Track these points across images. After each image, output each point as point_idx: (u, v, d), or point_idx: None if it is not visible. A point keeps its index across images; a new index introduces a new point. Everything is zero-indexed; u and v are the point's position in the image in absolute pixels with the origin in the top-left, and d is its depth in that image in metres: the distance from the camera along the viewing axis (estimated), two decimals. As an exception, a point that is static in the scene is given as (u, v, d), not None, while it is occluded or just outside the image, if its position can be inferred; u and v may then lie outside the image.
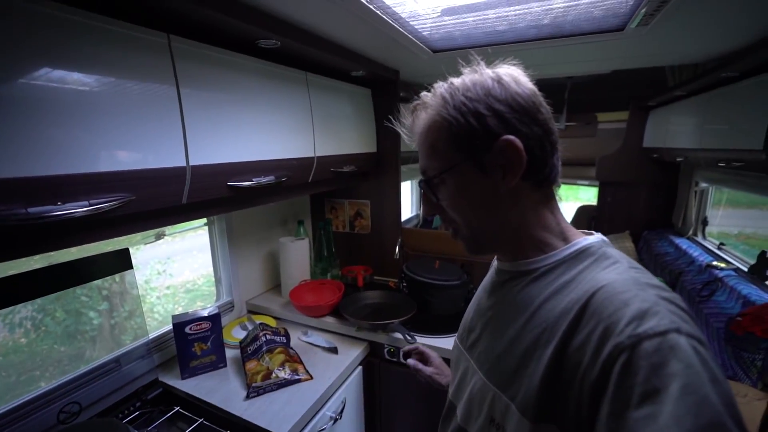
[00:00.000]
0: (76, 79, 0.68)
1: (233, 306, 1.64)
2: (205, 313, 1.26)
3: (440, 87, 0.57)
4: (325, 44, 1.24)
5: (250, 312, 1.71)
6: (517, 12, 1.09)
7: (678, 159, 2.53)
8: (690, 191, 2.89)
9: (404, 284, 1.71)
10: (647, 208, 3.20)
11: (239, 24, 0.93)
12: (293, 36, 1.09)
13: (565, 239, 0.57)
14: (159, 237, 1.83)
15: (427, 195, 0.60)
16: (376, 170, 1.89)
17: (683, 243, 2.72)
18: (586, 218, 3.85)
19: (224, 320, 1.57)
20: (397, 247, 1.76)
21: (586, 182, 4.58)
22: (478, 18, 1.13)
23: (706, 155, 2.02)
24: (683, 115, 2.33)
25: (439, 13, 1.15)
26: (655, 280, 0.47)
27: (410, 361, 0.93)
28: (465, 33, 1.25)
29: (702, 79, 1.88)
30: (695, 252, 2.51)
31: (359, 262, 1.99)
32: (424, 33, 1.24)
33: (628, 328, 0.41)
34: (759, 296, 1.82)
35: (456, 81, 0.56)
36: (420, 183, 0.60)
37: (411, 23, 1.14)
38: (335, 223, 2.02)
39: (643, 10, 1.01)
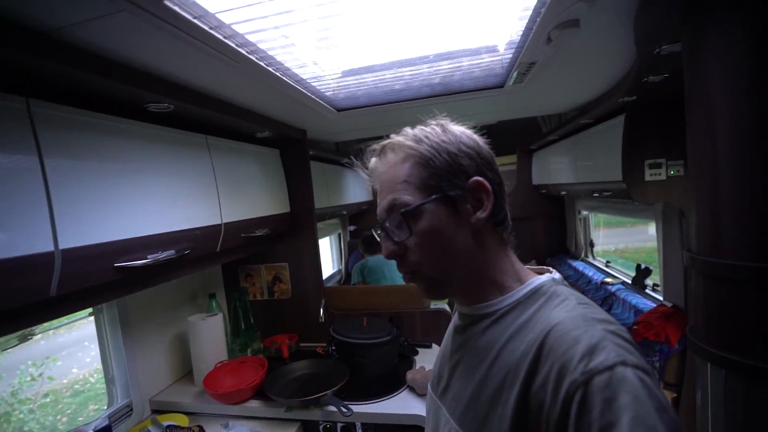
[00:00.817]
0: None
1: (132, 409, 1.35)
2: (89, 431, 1.01)
3: (410, 131, 0.61)
4: (226, 107, 1.20)
5: (156, 412, 1.43)
6: (411, 73, 1.18)
7: (562, 192, 2.90)
8: (575, 219, 3.31)
9: (333, 348, 1.60)
10: (546, 238, 3.58)
11: (122, 87, 0.85)
12: (188, 99, 1.03)
13: (520, 280, 0.59)
14: (24, 338, 1.48)
15: (389, 234, 0.59)
16: (292, 230, 1.82)
17: (579, 265, 3.06)
18: (496, 253, 4.14)
19: (120, 429, 1.28)
20: (321, 309, 1.66)
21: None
22: (377, 78, 1.20)
23: (582, 188, 2.35)
24: (559, 156, 2.71)
25: (341, 74, 1.20)
26: (602, 314, 0.51)
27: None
28: (366, 92, 1.31)
29: (567, 126, 2.23)
30: (590, 272, 2.83)
31: (283, 330, 1.83)
32: (328, 93, 1.28)
33: (581, 364, 0.44)
34: (645, 304, 2.08)
35: (426, 128, 0.60)
36: (387, 222, 0.59)
37: (313, 84, 1.16)
38: (252, 291, 1.86)
39: (515, 73, 1.17)
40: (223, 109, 1.17)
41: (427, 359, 1.62)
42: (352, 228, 3.88)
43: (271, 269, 1.84)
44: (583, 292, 2.57)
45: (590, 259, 3.20)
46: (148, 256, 0.96)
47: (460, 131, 0.60)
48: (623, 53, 1.16)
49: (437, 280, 0.59)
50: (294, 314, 1.85)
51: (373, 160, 0.63)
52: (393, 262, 0.61)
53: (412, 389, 1.35)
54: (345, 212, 2.97)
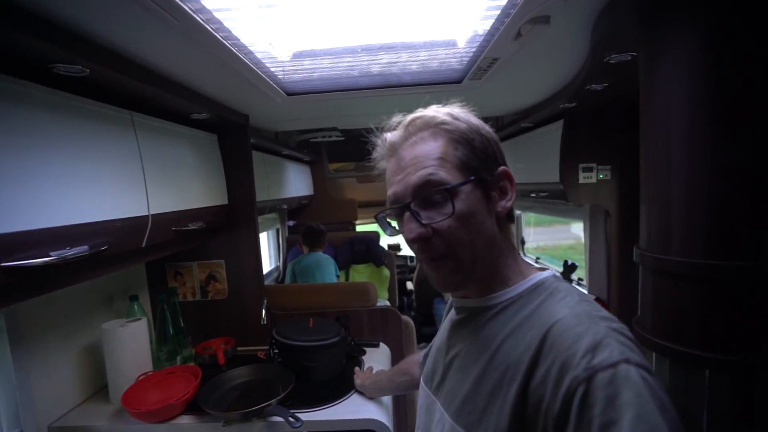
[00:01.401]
0: None
1: (22, 440, 1.12)
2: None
3: (439, 108, 0.58)
4: (158, 79, 1.03)
5: (56, 439, 1.20)
6: (371, 60, 1.12)
7: (500, 192, 3.04)
8: (510, 218, 3.49)
9: (276, 352, 1.49)
10: (483, 236, 3.75)
11: (18, 38, 0.67)
12: (109, 64, 0.86)
13: (522, 274, 0.59)
14: None
15: (415, 215, 0.54)
16: (229, 224, 1.65)
17: (513, 262, 3.24)
18: (435, 250, 4.25)
19: (7, 466, 1.06)
20: (264, 310, 1.53)
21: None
22: (332, 63, 1.12)
23: (521, 188, 2.47)
24: (499, 157, 2.83)
25: (292, 56, 1.10)
26: (605, 312, 0.50)
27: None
28: (321, 77, 1.22)
29: (508, 128, 2.32)
30: (523, 268, 3.00)
31: (217, 334, 1.66)
32: (279, 75, 1.16)
33: (584, 360, 0.43)
34: (573, 298, 2.24)
35: (453, 110, 0.58)
36: (413, 202, 0.54)
37: (265, 62, 1.04)
38: (182, 292, 1.66)
39: (475, 69, 1.16)
40: (154, 81, 1.01)
41: (374, 359, 1.57)
42: (291, 223, 3.70)
43: (204, 267, 1.66)
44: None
45: (522, 256, 3.40)
46: (52, 254, 0.79)
47: (483, 122, 0.60)
48: (573, 59, 1.21)
49: (466, 266, 0.55)
50: (230, 316, 1.69)
51: (392, 134, 0.58)
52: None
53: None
54: (285, 206, 2.82)
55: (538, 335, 0.49)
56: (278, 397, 1.18)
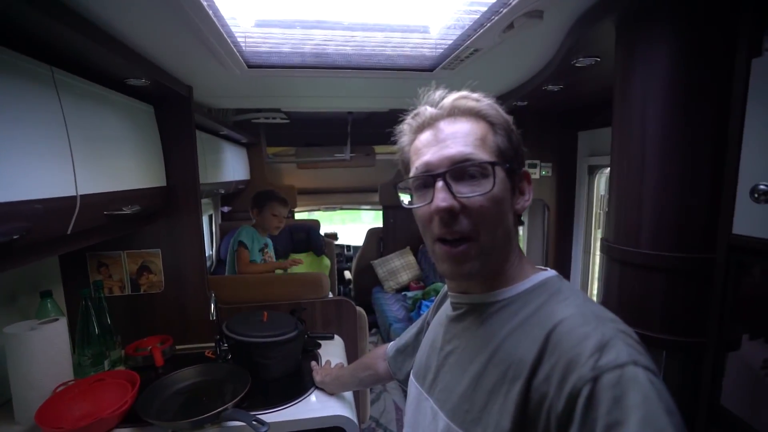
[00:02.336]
0: None
1: None
2: None
3: (482, 96, 0.58)
4: (85, 25, 0.85)
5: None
6: (346, 37, 1.04)
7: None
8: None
9: (225, 349, 1.36)
10: (425, 226, 3.84)
11: None
12: None
13: (524, 273, 0.58)
14: None
15: (449, 185, 0.53)
16: (167, 209, 1.46)
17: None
18: (376, 239, 4.26)
19: None
20: (212, 305, 1.39)
21: (369, 207, 5.13)
22: (302, 36, 1.03)
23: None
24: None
25: (255, 24, 0.99)
26: (611, 314, 0.50)
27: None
28: (288, 50, 1.11)
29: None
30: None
31: (152, 332, 1.46)
32: (241, 42, 1.03)
33: (590, 360, 0.43)
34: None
35: (493, 103, 0.58)
36: (448, 174, 0.53)
37: (231, 27, 0.91)
38: (108, 285, 1.43)
39: (452, 58, 1.15)
40: (80, 27, 0.82)
41: (330, 351, 1.52)
42: (225, 209, 3.43)
43: (136, 257, 1.45)
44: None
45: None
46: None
47: None
48: (538, 59, 1.25)
49: (486, 252, 0.54)
50: (167, 312, 1.51)
51: (433, 109, 0.57)
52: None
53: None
54: (222, 191, 2.59)
55: (542, 333, 0.49)
56: (235, 400, 1.08)
